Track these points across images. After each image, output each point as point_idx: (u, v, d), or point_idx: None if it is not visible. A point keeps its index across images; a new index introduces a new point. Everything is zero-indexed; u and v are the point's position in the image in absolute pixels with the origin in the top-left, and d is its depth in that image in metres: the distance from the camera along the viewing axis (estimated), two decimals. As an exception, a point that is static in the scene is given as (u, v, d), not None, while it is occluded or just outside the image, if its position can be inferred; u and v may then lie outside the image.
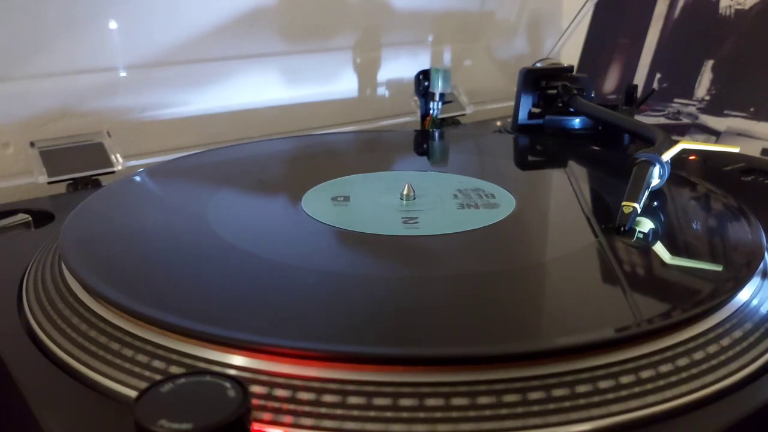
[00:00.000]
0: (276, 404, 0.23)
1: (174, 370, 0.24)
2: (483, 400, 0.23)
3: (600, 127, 0.56)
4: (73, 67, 0.54)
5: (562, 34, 0.76)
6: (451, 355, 0.24)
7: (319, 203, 0.39)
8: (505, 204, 0.39)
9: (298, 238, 0.36)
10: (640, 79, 0.67)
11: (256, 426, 0.22)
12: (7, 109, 0.52)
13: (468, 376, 0.23)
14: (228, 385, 0.20)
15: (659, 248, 0.34)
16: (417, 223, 0.37)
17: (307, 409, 0.22)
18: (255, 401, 0.23)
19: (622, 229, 0.35)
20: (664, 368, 0.25)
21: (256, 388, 0.23)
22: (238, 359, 0.24)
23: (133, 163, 0.53)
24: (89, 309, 0.29)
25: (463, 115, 0.69)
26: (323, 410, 0.22)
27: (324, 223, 0.36)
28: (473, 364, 0.24)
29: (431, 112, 0.61)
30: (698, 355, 0.25)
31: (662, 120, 0.64)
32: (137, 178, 0.44)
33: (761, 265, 0.31)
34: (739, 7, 0.62)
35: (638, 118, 0.57)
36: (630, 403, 0.23)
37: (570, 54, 0.75)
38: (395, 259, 0.33)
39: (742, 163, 0.51)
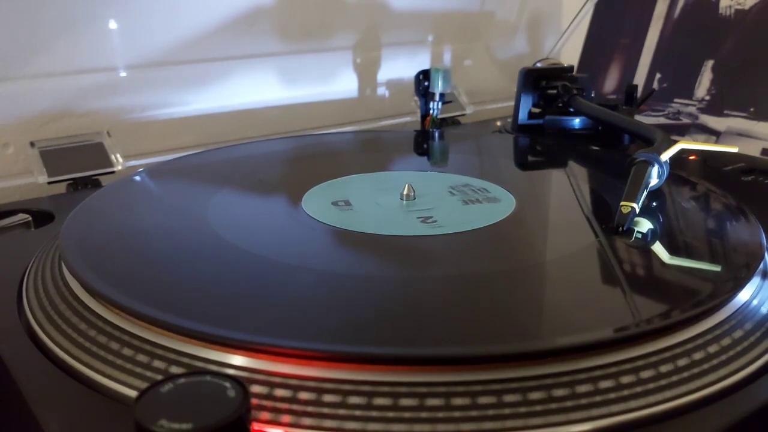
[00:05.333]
0: (276, 404, 0.23)
1: (174, 369, 0.24)
2: (484, 400, 0.23)
3: (600, 127, 0.56)
4: (73, 67, 0.54)
5: (562, 34, 0.76)
6: (451, 355, 0.24)
7: (319, 203, 0.39)
8: (505, 204, 0.39)
9: (298, 238, 0.36)
10: (640, 79, 0.67)
11: (256, 426, 0.22)
12: (7, 109, 0.52)
13: (468, 376, 0.23)
14: (228, 385, 0.20)
15: (658, 248, 0.34)
16: (417, 222, 0.37)
17: (306, 409, 0.22)
18: (254, 401, 0.23)
19: (620, 229, 0.35)
20: (664, 368, 0.25)
21: (255, 388, 0.23)
22: (237, 359, 0.24)
23: (133, 163, 0.53)
24: (89, 309, 0.29)
25: (463, 115, 0.69)
26: (324, 410, 0.22)
27: (324, 223, 0.36)
28: (473, 364, 0.24)
29: (431, 112, 0.61)
30: (698, 355, 0.25)
31: (662, 120, 0.64)
32: (137, 178, 0.44)
33: (761, 265, 0.31)
34: (739, 7, 0.62)
35: (638, 118, 0.57)
36: (630, 403, 0.23)
37: (570, 54, 0.75)
38: (395, 260, 0.33)
39: (742, 163, 0.51)
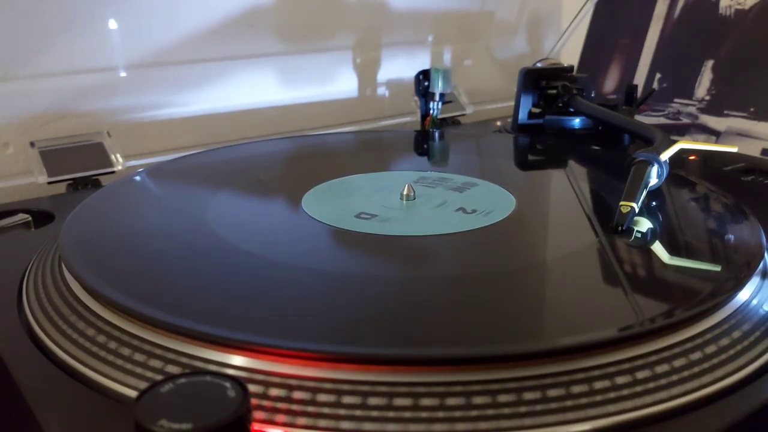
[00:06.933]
0: (275, 404, 0.23)
1: (173, 370, 0.24)
2: (483, 400, 0.23)
3: (600, 127, 0.56)
4: (73, 67, 0.54)
5: (562, 34, 0.76)
6: (450, 356, 0.24)
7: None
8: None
9: (298, 238, 0.36)
10: (640, 79, 0.67)
11: (255, 426, 0.22)
12: (7, 109, 0.52)
13: (468, 376, 0.23)
14: (228, 385, 0.20)
15: (658, 248, 0.34)
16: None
17: (306, 409, 0.22)
18: (254, 401, 0.23)
19: (619, 228, 0.35)
20: (664, 368, 0.25)
21: (255, 388, 0.23)
22: (237, 359, 0.24)
23: (133, 163, 0.53)
24: (89, 309, 0.29)
25: (463, 115, 0.69)
26: (324, 410, 0.22)
27: (324, 223, 0.36)
28: (473, 365, 0.24)
29: (431, 112, 0.61)
30: (698, 355, 0.25)
31: (662, 120, 0.64)
32: (137, 178, 0.44)
33: (761, 265, 0.31)
34: (739, 7, 0.62)
35: (638, 118, 0.57)
36: (630, 403, 0.23)
37: (570, 54, 0.75)
38: (395, 260, 0.33)
39: (742, 163, 0.51)
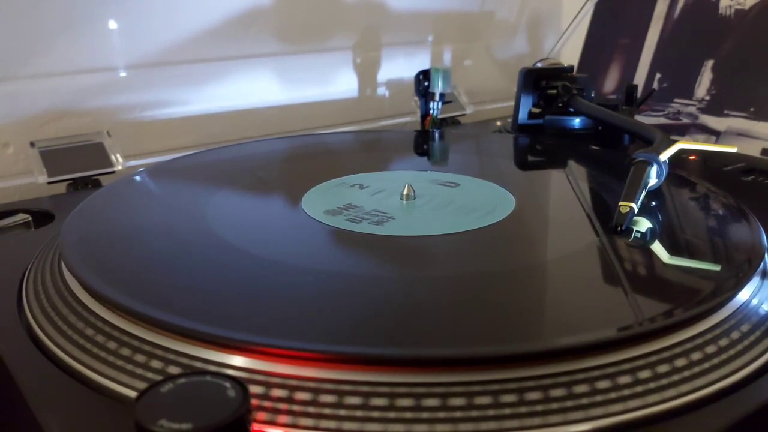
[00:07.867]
0: (275, 404, 0.23)
1: (173, 370, 0.24)
2: (484, 400, 0.23)
3: (600, 127, 0.56)
4: (73, 67, 0.54)
5: (562, 34, 0.76)
6: (450, 356, 0.24)
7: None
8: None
9: (297, 238, 0.36)
10: (640, 79, 0.67)
11: (255, 426, 0.22)
12: (7, 109, 0.52)
13: (468, 376, 0.23)
14: (228, 385, 0.20)
15: (657, 248, 0.34)
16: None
17: (306, 409, 0.22)
18: (254, 401, 0.23)
19: (618, 229, 0.35)
20: (664, 368, 0.25)
21: (255, 388, 0.23)
22: (236, 359, 0.24)
23: (133, 163, 0.53)
24: (89, 309, 0.29)
25: (463, 115, 0.69)
26: (324, 411, 0.22)
27: (324, 223, 0.36)
28: (473, 365, 0.24)
29: (431, 112, 0.61)
30: (698, 355, 0.25)
31: (662, 120, 0.64)
32: (137, 178, 0.44)
33: (761, 264, 0.31)
34: (739, 7, 0.62)
35: (638, 118, 0.57)
36: (630, 403, 0.23)
37: (570, 54, 0.75)
38: (394, 260, 0.33)
39: (742, 163, 0.51)
